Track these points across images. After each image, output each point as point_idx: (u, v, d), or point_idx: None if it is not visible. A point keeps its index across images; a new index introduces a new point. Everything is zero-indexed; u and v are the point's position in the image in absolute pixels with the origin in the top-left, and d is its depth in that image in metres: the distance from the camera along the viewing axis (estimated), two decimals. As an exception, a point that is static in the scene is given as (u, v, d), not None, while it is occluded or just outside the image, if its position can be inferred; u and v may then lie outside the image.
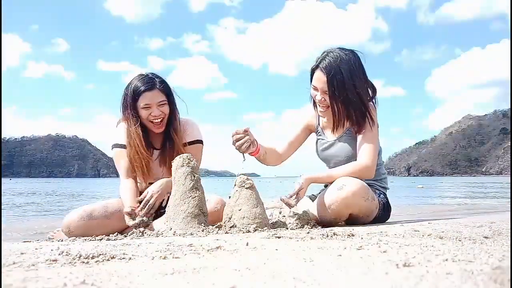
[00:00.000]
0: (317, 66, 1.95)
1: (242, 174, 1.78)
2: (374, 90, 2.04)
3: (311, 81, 2.04)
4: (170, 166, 1.80)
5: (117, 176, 2.11)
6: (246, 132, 1.88)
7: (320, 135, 2.24)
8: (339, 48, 1.98)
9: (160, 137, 2.13)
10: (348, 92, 1.89)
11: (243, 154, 1.89)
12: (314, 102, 2.11)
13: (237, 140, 1.87)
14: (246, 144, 1.86)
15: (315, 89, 1.99)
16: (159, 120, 2.01)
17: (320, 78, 1.93)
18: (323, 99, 1.97)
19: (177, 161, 1.73)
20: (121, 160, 2.06)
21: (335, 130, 2.11)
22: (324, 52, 1.98)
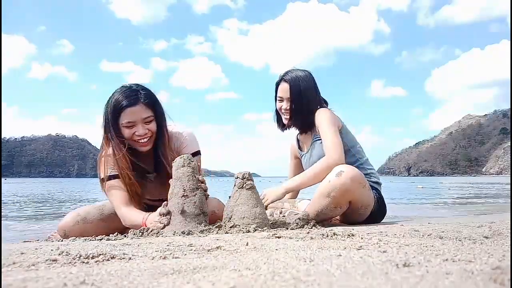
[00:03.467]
0: (281, 79, 2.26)
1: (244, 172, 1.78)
2: (325, 102, 2.33)
3: (275, 98, 2.29)
4: (167, 187, 1.70)
5: None
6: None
7: (300, 152, 2.45)
8: (297, 68, 2.31)
9: (151, 156, 1.93)
10: (303, 98, 2.20)
11: None
12: (278, 119, 2.35)
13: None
14: None
15: (281, 100, 2.26)
16: (145, 139, 1.81)
17: (284, 87, 2.23)
18: (288, 107, 2.22)
19: (177, 162, 1.73)
20: (117, 191, 1.81)
21: (307, 134, 2.33)
22: (285, 71, 2.31)
